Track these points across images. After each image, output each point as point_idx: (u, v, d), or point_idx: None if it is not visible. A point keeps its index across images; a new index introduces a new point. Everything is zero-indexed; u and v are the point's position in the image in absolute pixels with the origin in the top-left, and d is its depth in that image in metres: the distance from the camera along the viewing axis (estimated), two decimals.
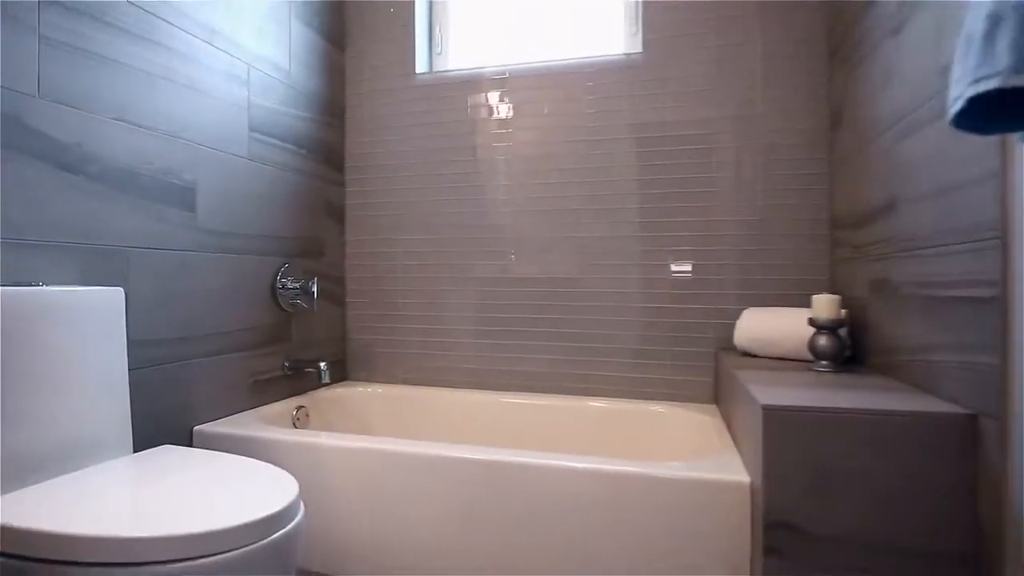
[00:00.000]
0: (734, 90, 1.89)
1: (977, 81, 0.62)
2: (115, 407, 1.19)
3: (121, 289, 1.24)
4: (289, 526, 0.92)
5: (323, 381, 1.89)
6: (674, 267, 1.94)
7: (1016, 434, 0.85)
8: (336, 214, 2.23)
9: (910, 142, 1.21)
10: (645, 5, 1.96)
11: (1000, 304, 0.88)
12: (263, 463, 1.12)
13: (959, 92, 0.65)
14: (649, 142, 1.95)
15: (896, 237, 1.30)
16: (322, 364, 1.89)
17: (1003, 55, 0.60)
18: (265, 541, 0.87)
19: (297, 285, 1.91)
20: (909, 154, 1.21)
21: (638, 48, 1.99)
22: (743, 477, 1.16)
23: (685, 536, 1.18)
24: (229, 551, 0.83)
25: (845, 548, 0.98)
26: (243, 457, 1.15)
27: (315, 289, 1.91)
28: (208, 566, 0.81)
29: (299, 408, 1.91)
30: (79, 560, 0.79)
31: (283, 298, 1.90)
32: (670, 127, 1.94)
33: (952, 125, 0.69)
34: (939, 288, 1.08)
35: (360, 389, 2.15)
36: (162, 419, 1.45)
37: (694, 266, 1.92)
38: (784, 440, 1.02)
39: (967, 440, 0.95)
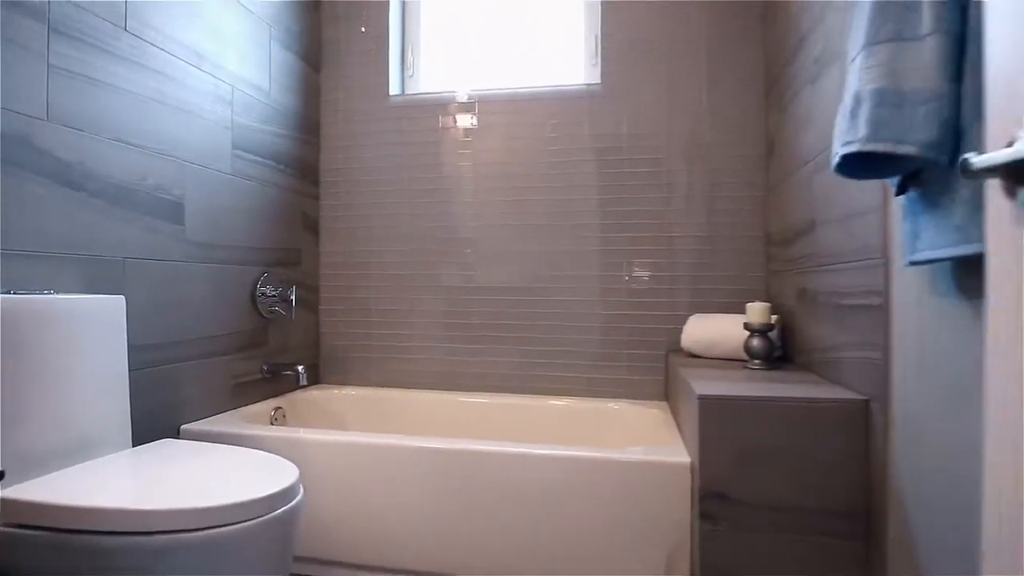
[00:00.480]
0: (684, 120, 2.10)
1: (846, 144, 0.82)
2: (116, 405, 1.29)
3: (123, 297, 1.34)
4: (292, 503, 1.05)
5: (301, 384, 2.00)
6: (629, 277, 2.13)
7: (894, 415, 1.05)
8: (311, 226, 2.34)
9: (822, 176, 1.42)
10: (603, 40, 2.16)
11: (884, 311, 1.09)
12: (262, 452, 1.24)
13: (836, 150, 0.84)
14: (607, 164, 2.14)
15: (815, 254, 1.51)
16: (300, 367, 2.01)
17: (862, 127, 0.79)
18: (272, 515, 1.00)
19: (276, 293, 2.02)
20: (822, 185, 1.43)
21: (597, 79, 2.18)
22: (685, 459, 1.34)
23: (639, 508, 1.36)
24: (241, 522, 0.96)
25: (764, 511, 1.18)
26: (242, 448, 1.27)
27: (294, 297, 2.02)
28: (225, 534, 0.94)
29: (276, 409, 2.01)
30: (113, 530, 0.91)
31: (262, 305, 2.01)
32: (627, 151, 2.13)
33: (835, 172, 0.88)
34: (844, 297, 1.29)
35: (335, 391, 2.26)
36: (152, 418, 1.54)
37: (648, 276, 2.12)
38: (716, 425, 1.20)
39: (861, 421, 1.15)
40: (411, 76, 2.42)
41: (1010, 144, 0.49)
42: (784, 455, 1.17)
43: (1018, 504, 0.50)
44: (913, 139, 0.76)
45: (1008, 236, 0.51)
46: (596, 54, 2.22)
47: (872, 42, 0.83)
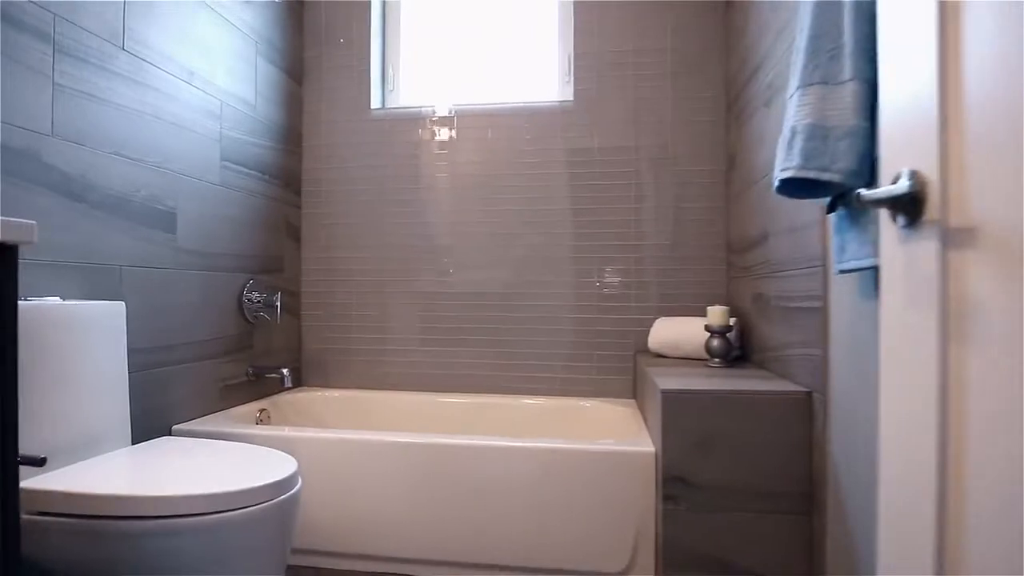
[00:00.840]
0: (652, 135, 2.24)
1: (784, 170, 0.96)
2: (117, 405, 1.37)
3: (123, 303, 1.41)
4: (293, 490, 1.15)
5: (286, 385, 2.08)
6: (600, 282, 2.27)
7: (831, 404, 1.20)
8: (294, 234, 2.42)
9: (773, 192, 1.57)
10: (576, 59, 2.30)
11: (823, 313, 1.23)
12: (260, 447, 1.33)
13: (776, 174, 0.98)
14: (580, 176, 2.27)
15: (768, 261, 1.66)
16: (284, 370, 2.09)
17: (796, 156, 0.93)
18: (275, 501, 1.09)
19: (261, 299, 2.09)
20: (774, 200, 1.58)
21: (570, 96, 2.31)
22: (650, 448, 1.48)
23: (609, 493, 1.49)
24: (248, 507, 1.05)
25: (720, 492, 1.31)
26: (242, 443, 1.35)
27: (279, 303, 2.10)
28: (233, 518, 1.03)
29: (261, 411, 2.08)
30: (132, 515, 0.99)
31: (248, 311, 2.08)
32: (598, 164, 2.27)
33: (776, 192, 1.02)
34: (791, 300, 1.44)
35: (317, 393, 2.34)
36: (145, 419, 1.61)
37: (618, 281, 2.25)
38: (677, 416, 1.33)
39: (804, 410, 1.29)
40: (392, 91, 2.52)
41: (895, 181, 0.63)
42: (737, 442, 1.31)
43: (906, 464, 0.63)
44: (836, 168, 0.90)
45: (894, 252, 0.64)
46: (569, 72, 2.36)
47: (805, 84, 0.98)
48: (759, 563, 1.30)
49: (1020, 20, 0.48)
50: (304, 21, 2.47)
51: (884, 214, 0.65)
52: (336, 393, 2.35)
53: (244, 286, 2.07)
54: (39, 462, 0.75)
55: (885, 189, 0.60)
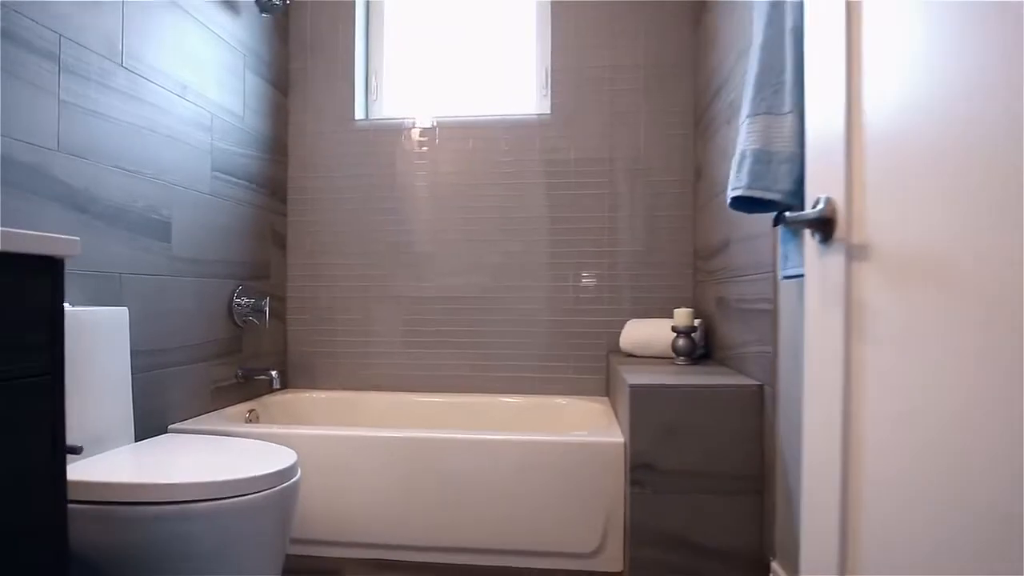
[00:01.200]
0: (625, 147, 2.38)
1: (735, 188, 1.10)
2: (121, 405, 1.45)
3: (126, 308, 1.50)
4: (294, 478, 1.25)
5: (275, 387, 2.17)
6: (575, 286, 2.40)
7: (780, 396, 1.34)
8: (279, 241, 2.50)
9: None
10: (553, 73, 2.42)
11: (773, 314, 1.37)
12: (260, 441, 1.42)
13: (728, 191, 1.12)
14: (556, 187, 2.40)
15: (728, 267, 1.80)
16: (273, 372, 2.17)
17: (744, 177, 1.07)
18: (278, 487, 1.19)
19: (250, 304, 2.17)
20: (734, 211, 1.72)
21: (547, 109, 2.44)
22: (620, 439, 1.61)
23: (582, 480, 1.62)
24: (255, 492, 1.15)
25: (682, 477, 1.45)
26: (242, 439, 1.45)
27: (267, 308, 2.18)
28: (242, 503, 1.13)
29: (251, 411, 2.16)
30: (153, 501, 1.09)
31: (238, 315, 2.16)
32: (573, 175, 2.40)
33: (729, 207, 1.16)
34: (748, 303, 1.59)
35: (303, 394, 2.42)
36: (143, 419, 1.68)
37: (592, 285, 2.39)
38: (644, 408, 1.47)
39: (757, 402, 1.44)
40: (375, 101, 2.62)
41: (815, 205, 0.76)
42: (697, 431, 1.44)
43: (826, 441, 0.77)
44: (777, 188, 1.04)
45: (813, 263, 0.78)
46: (546, 86, 2.48)
47: (754, 113, 1.12)
48: (716, 539, 1.44)
49: (909, 68, 0.62)
50: (289, 33, 2.56)
51: (807, 232, 0.78)
52: (323, 394, 2.44)
53: (234, 292, 2.15)
54: (77, 450, 0.84)
55: (805, 212, 0.74)
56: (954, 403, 0.53)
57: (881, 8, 0.66)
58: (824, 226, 0.73)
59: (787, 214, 0.75)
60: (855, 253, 0.69)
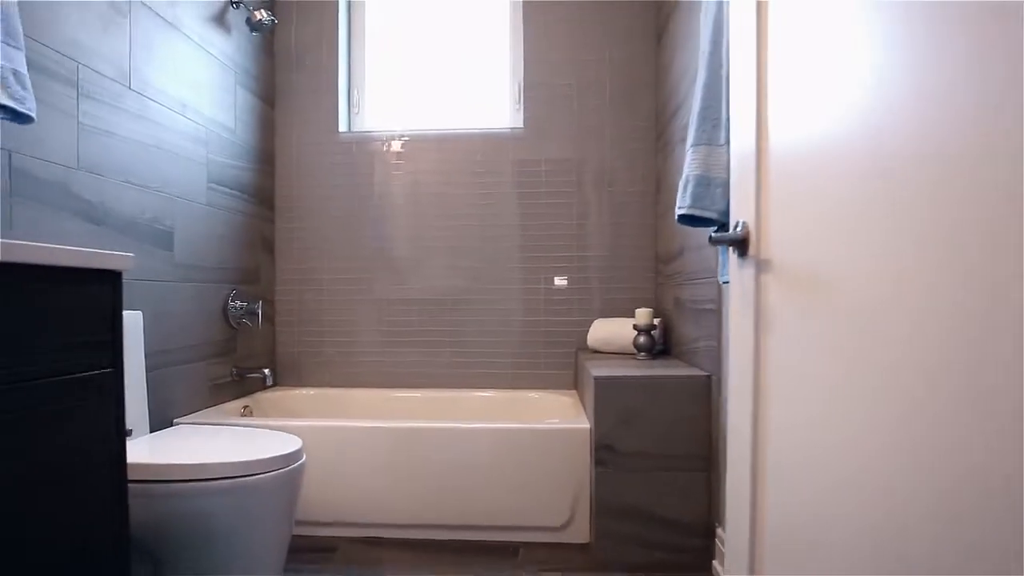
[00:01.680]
0: (593, 158, 2.59)
1: (680, 207, 1.30)
2: (138, 400, 1.59)
3: (140, 312, 1.64)
4: (301, 460, 1.42)
5: (268, 384, 2.32)
6: (546, 288, 2.59)
7: (724, 385, 1.56)
8: (268, 247, 2.64)
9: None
10: (525, 88, 2.62)
11: (718, 313, 1.59)
12: (267, 429, 1.58)
13: (676, 209, 1.32)
14: (528, 196, 2.60)
15: (684, 271, 2.02)
16: (266, 371, 2.32)
17: (688, 197, 1.28)
18: (287, 468, 1.36)
19: (243, 307, 2.32)
20: None
21: (520, 123, 2.63)
22: (585, 425, 1.81)
23: (551, 463, 1.82)
24: (267, 472, 1.31)
25: (639, 457, 1.66)
26: (248, 428, 1.60)
27: (260, 310, 2.33)
28: (256, 481, 1.29)
29: (245, 407, 2.31)
30: (183, 479, 1.24)
31: (232, 317, 2.30)
32: (544, 184, 2.60)
33: (677, 223, 1.36)
34: (699, 304, 1.80)
35: (293, 391, 2.57)
36: (152, 414, 1.82)
37: (563, 287, 2.59)
38: (607, 398, 1.67)
39: (705, 391, 1.65)
40: (357, 113, 2.78)
41: (735, 227, 0.97)
42: (653, 416, 1.65)
43: (741, 416, 0.97)
44: (714, 209, 1.25)
45: (734, 273, 0.98)
46: (519, 100, 2.68)
47: (697, 143, 1.32)
48: (670, 510, 1.65)
49: (797, 111, 0.82)
50: (275, 47, 2.70)
51: (730, 248, 0.99)
52: (311, 391, 2.59)
53: (228, 295, 2.29)
54: (129, 433, 1.00)
55: (727, 234, 0.94)
56: (830, 387, 0.73)
57: (780, 61, 0.86)
58: (741, 244, 0.93)
59: (712, 235, 0.95)
60: (762, 267, 0.90)
